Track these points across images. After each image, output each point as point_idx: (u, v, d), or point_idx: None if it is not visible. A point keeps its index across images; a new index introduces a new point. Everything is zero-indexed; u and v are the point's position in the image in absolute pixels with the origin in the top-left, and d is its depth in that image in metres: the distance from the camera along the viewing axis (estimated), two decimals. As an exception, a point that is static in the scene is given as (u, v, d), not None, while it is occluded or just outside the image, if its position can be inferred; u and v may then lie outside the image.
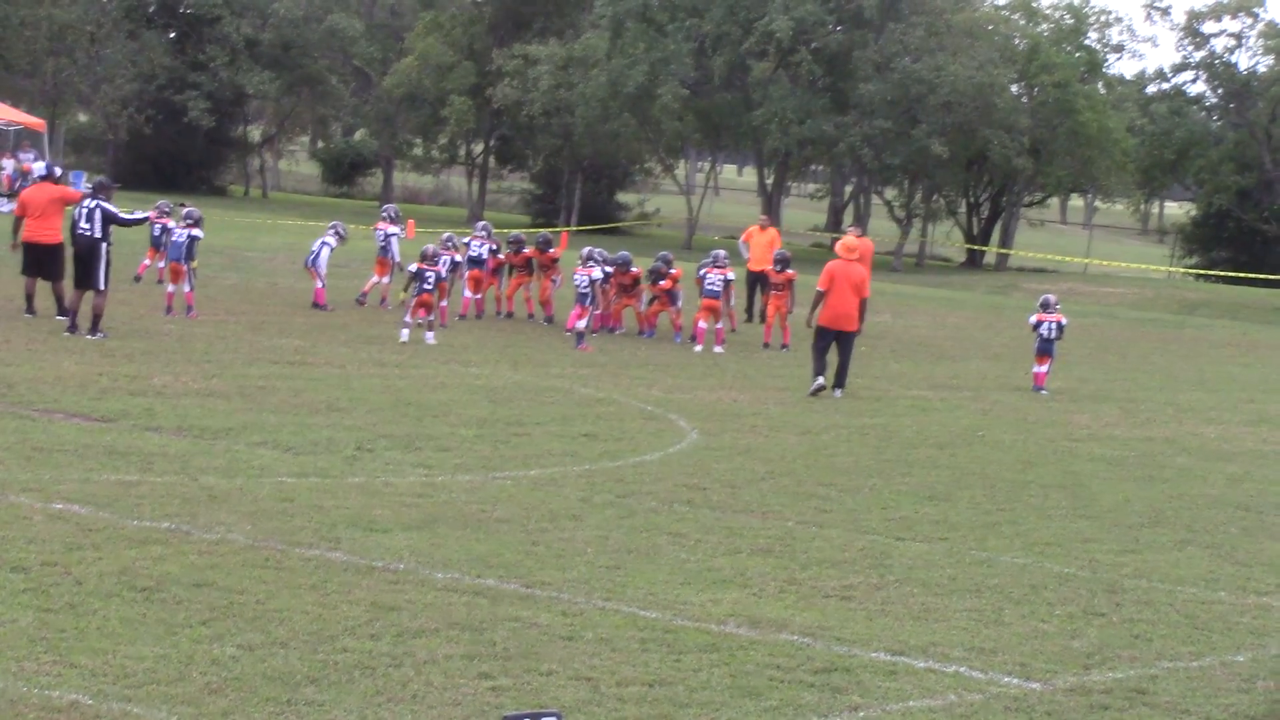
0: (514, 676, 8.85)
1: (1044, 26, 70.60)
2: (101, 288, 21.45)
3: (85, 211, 21.66)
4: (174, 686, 8.26)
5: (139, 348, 20.47)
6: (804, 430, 18.97)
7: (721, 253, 28.20)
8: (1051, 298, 26.12)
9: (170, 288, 24.44)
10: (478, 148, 74.29)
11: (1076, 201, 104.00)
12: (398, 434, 16.07)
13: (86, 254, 21.46)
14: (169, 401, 16.68)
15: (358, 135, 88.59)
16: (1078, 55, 68.35)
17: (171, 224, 25.49)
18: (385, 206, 31.83)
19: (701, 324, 27.17)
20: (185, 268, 24.15)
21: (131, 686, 8.21)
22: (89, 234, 21.52)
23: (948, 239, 73.95)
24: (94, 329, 21.07)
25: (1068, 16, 70.93)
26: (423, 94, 69.58)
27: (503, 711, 8.11)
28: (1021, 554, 13.17)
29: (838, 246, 22.79)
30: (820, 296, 22.37)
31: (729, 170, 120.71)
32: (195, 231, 24.20)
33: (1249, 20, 72.82)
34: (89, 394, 16.64)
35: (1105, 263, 69.92)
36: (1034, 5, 71.26)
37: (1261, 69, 72.99)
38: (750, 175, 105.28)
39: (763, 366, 25.24)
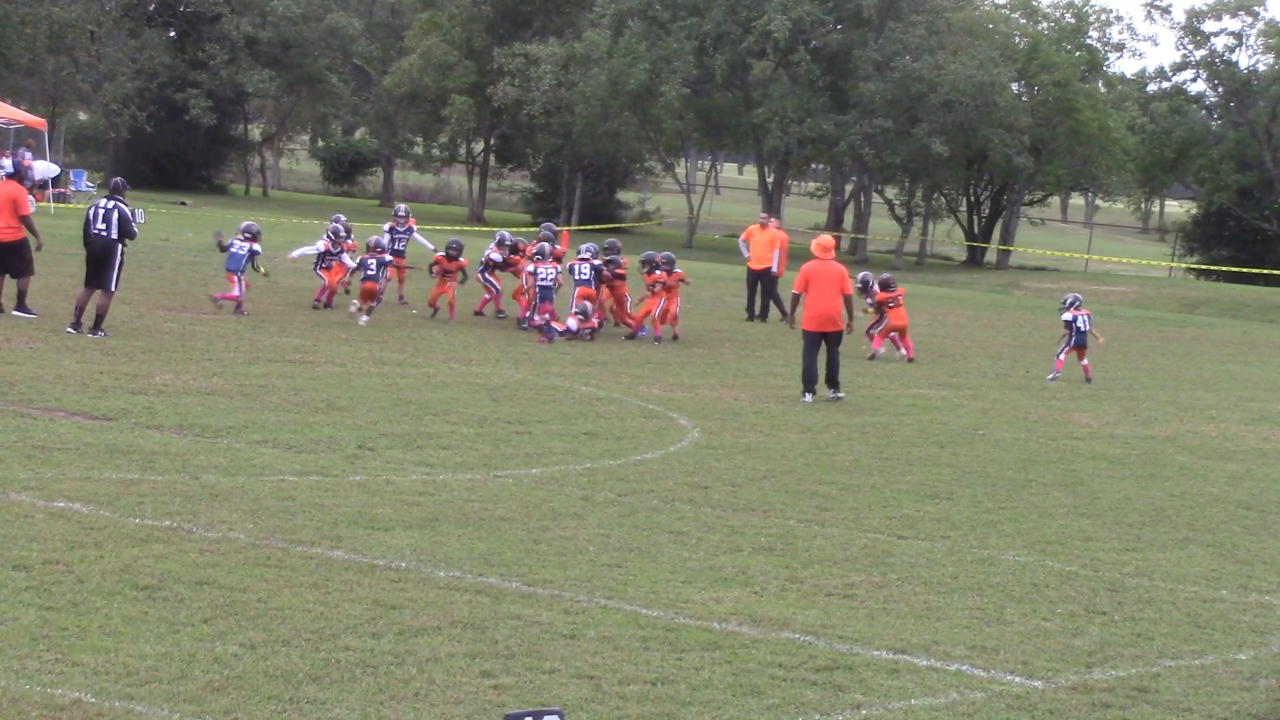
0: (516, 675, 8.85)
1: (1044, 25, 70.65)
2: (112, 289, 21.47)
3: (102, 213, 21.63)
4: (176, 685, 8.25)
5: (140, 346, 20.47)
6: (805, 428, 18.97)
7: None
8: (1078, 296, 27.67)
9: (236, 291, 25.06)
10: (478, 146, 74.33)
11: (1077, 200, 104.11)
12: (399, 432, 16.07)
13: (102, 254, 21.43)
14: (170, 400, 16.68)
15: (358, 134, 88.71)
16: (1078, 54, 68.37)
17: (238, 241, 25.46)
18: (397, 206, 32.46)
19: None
20: (237, 278, 25.07)
21: (134, 685, 8.21)
22: (105, 235, 21.50)
23: (948, 237, 73.96)
24: (96, 328, 21.06)
25: (1068, 15, 70.97)
26: (423, 93, 69.62)
27: (505, 710, 8.11)
28: (1023, 552, 13.16)
29: (814, 246, 22.24)
30: (796, 299, 22.07)
31: (729, 169, 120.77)
32: (255, 246, 25.35)
33: (1249, 19, 72.89)
34: (90, 392, 16.63)
35: (1106, 259, 69.94)
36: (1034, 4, 71.32)
37: (1261, 68, 73.03)
38: (751, 174, 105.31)
39: (763, 365, 25.24)
